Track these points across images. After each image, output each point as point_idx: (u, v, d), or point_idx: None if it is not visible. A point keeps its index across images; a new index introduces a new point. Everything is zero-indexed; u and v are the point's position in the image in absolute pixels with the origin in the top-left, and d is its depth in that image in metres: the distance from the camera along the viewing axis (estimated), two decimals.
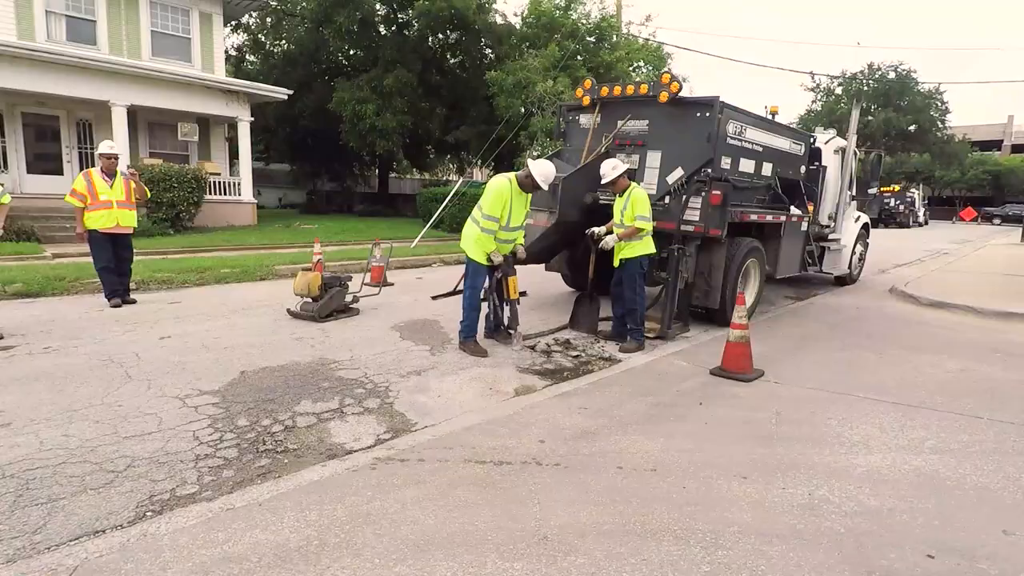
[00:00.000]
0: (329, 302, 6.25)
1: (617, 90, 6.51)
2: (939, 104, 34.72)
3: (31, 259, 9.04)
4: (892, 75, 34.09)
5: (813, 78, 36.93)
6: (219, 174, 14.76)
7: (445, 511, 2.61)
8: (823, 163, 8.35)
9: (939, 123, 35.11)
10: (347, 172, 25.53)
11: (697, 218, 5.75)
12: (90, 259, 7.02)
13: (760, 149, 6.75)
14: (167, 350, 4.91)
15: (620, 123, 6.50)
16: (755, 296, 6.95)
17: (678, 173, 5.99)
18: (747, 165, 6.57)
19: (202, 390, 4.02)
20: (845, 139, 8.92)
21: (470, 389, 4.33)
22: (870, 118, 32.87)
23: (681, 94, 6.06)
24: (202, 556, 2.23)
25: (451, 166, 30.01)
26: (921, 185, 38.53)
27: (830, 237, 8.93)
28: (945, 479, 3.08)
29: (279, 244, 12.21)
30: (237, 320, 6.10)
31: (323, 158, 23.24)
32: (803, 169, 7.85)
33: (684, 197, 5.79)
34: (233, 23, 19.93)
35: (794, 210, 7.32)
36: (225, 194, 14.61)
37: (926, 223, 33.64)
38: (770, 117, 7.24)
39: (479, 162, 21.50)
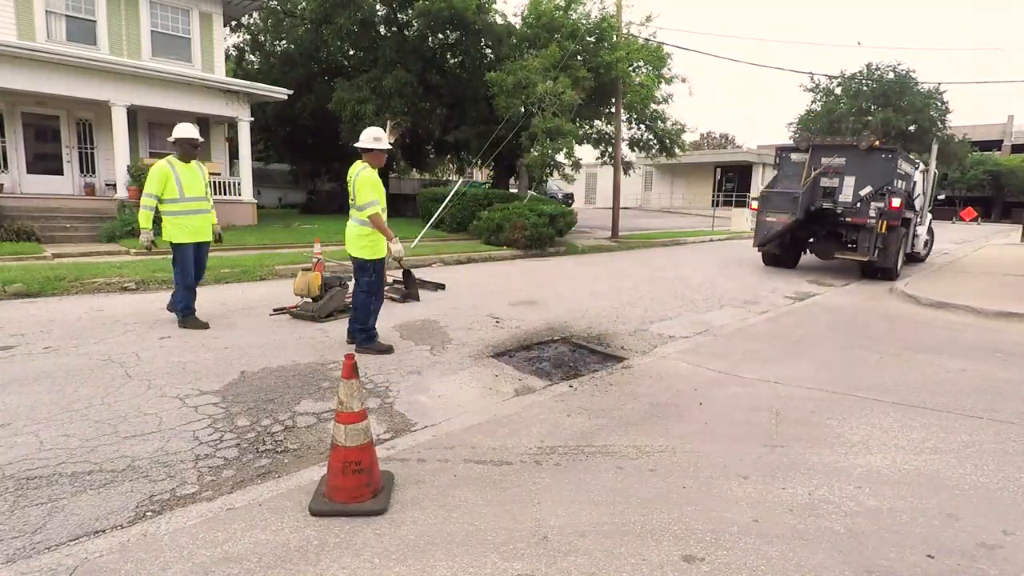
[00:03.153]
0: (329, 302, 6.25)
1: (828, 141, 11.40)
2: (939, 104, 34.69)
3: (31, 259, 9.04)
4: (891, 75, 34.07)
5: (812, 78, 36.96)
6: (219, 174, 14.75)
7: (445, 511, 2.61)
8: (914, 179, 11.95)
9: (939, 123, 35.07)
10: (347, 172, 25.53)
11: (875, 215, 10.05)
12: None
13: (903, 173, 10.81)
14: (167, 350, 4.91)
15: (827, 160, 10.63)
16: (901, 263, 11.30)
17: (867, 189, 10.13)
18: (900, 184, 10.58)
19: (202, 390, 4.03)
20: (927, 163, 13.67)
21: (470, 389, 4.33)
22: (869, 118, 32.86)
23: (873, 144, 10.36)
24: (202, 556, 2.23)
25: (451, 166, 30.00)
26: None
27: (916, 228, 12.66)
28: (945, 479, 3.08)
29: (279, 244, 12.21)
30: (237, 320, 6.10)
31: (323, 158, 23.24)
32: (913, 184, 11.64)
33: (871, 203, 10.06)
34: (233, 23, 19.92)
35: (916, 209, 11.99)
36: (225, 194, 14.61)
37: None
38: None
39: (479, 162, 21.50)
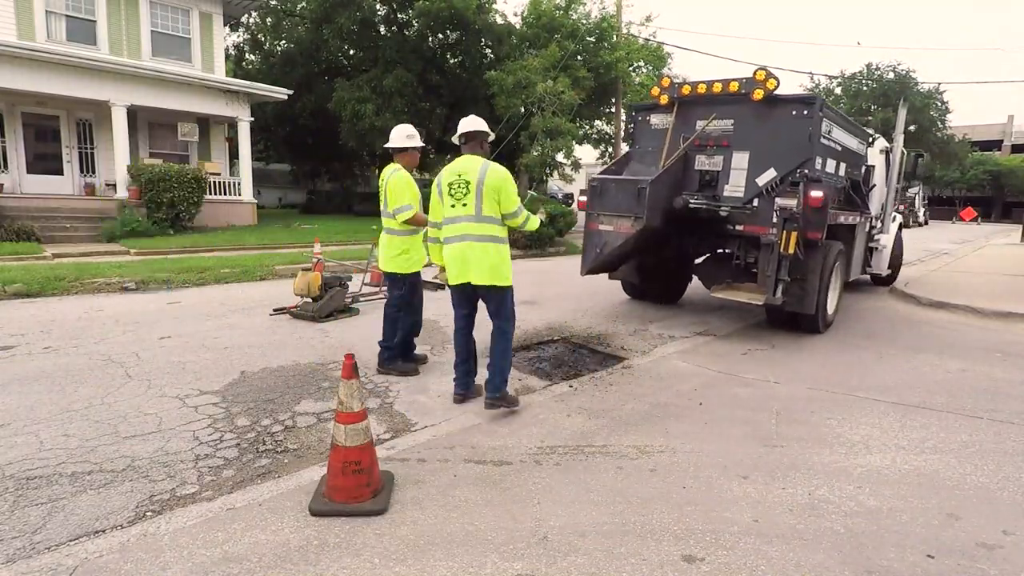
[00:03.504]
0: (329, 302, 6.25)
1: (702, 88, 6.06)
2: (939, 104, 34.72)
3: (31, 259, 9.04)
4: (891, 75, 34.10)
5: (812, 78, 36.98)
6: (219, 174, 14.77)
7: (445, 511, 2.61)
8: (870, 162, 8.17)
9: (939, 123, 35.09)
10: (347, 172, 25.53)
11: (779, 221, 5.45)
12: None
13: (840, 149, 6.52)
14: (167, 350, 4.91)
15: (703, 123, 6.06)
16: (837, 301, 6.70)
17: (771, 174, 5.70)
18: (831, 165, 6.29)
19: (202, 390, 4.03)
20: (891, 138, 9.08)
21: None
22: (869, 118, 32.87)
23: (778, 91, 5.70)
24: (202, 556, 2.23)
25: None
26: (921, 185, 38.49)
27: (875, 237, 8.83)
28: (945, 479, 3.08)
29: (279, 244, 12.22)
30: (237, 320, 6.10)
31: (323, 158, 23.25)
32: (863, 169, 7.73)
33: (776, 200, 5.52)
34: (233, 23, 19.92)
35: (869, 210, 7.40)
36: (225, 194, 14.62)
37: (926, 223, 33.63)
38: None
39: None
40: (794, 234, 5.33)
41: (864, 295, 9.16)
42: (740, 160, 5.95)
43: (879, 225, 8.91)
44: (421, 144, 4.58)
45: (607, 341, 5.77)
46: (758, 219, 5.74)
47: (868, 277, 9.51)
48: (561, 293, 8.34)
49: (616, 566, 2.26)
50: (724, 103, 6.00)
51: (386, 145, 4.58)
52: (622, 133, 18.86)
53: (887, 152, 8.83)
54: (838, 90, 36.28)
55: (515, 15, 19.89)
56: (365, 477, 2.59)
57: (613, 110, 18.25)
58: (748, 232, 5.87)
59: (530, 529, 2.49)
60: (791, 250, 5.35)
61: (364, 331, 5.78)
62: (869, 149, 8.06)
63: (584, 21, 17.83)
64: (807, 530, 2.55)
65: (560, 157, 16.84)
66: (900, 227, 10.13)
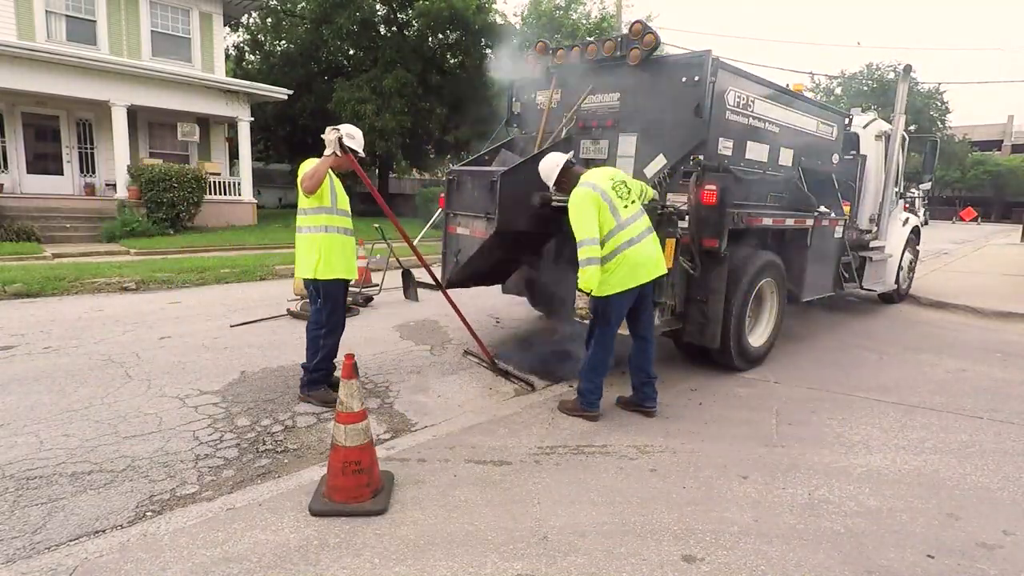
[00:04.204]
0: None
1: (576, 52, 4.91)
2: (939, 104, 34.76)
3: (31, 259, 9.04)
4: (891, 75, 34.12)
5: (813, 78, 37.00)
6: (219, 174, 14.76)
7: (445, 511, 2.61)
8: (862, 152, 6.79)
9: (939, 123, 35.13)
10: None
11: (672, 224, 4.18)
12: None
13: (776, 130, 5.10)
14: (167, 350, 4.91)
15: (580, 98, 4.89)
16: (773, 329, 5.21)
17: (660, 163, 4.46)
18: (758, 151, 4.95)
19: (202, 390, 4.02)
20: (890, 122, 7.34)
21: (470, 389, 4.33)
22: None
23: (660, 52, 4.52)
24: (202, 556, 2.23)
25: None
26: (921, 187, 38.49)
27: (872, 245, 7.24)
28: (945, 479, 3.08)
29: (279, 244, 12.21)
30: (237, 320, 6.09)
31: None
32: (836, 158, 6.20)
33: (665, 195, 4.42)
34: (233, 23, 19.92)
35: (823, 211, 5.67)
36: (225, 194, 14.61)
37: (926, 223, 33.61)
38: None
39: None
40: (670, 241, 4.15)
41: (864, 295, 9.15)
42: (627, 145, 4.73)
43: (875, 229, 7.24)
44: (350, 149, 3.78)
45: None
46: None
47: (864, 292, 7.53)
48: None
49: (616, 566, 2.26)
50: (606, 72, 4.80)
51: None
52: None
53: (886, 138, 7.14)
54: (838, 90, 36.32)
55: (515, 15, 19.89)
56: (365, 477, 2.59)
57: None
58: None
59: (530, 529, 2.49)
60: (669, 263, 4.08)
61: (364, 331, 5.78)
62: (861, 134, 6.87)
63: (584, 21, 17.84)
64: (807, 530, 2.55)
65: None
66: (916, 231, 8.44)
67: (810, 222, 5.53)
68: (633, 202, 3.66)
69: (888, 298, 8.21)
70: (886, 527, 2.60)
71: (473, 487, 2.82)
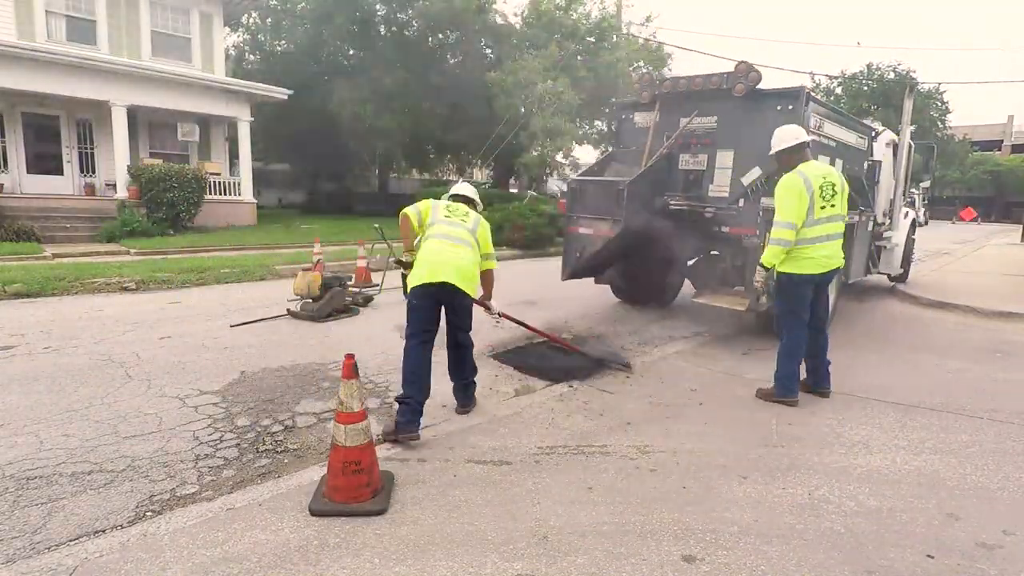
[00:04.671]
0: (329, 302, 6.25)
1: (683, 84, 5.96)
2: (939, 104, 34.74)
3: (31, 259, 9.04)
4: (892, 75, 34.12)
5: (813, 78, 36.98)
6: (219, 174, 14.76)
7: (445, 511, 2.61)
8: (876, 158, 7.75)
9: (939, 123, 35.11)
10: (347, 172, 25.50)
11: (763, 222, 5.07)
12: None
13: (834, 145, 6.19)
14: (167, 350, 4.91)
15: (685, 120, 5.82)
16: (834, 303, 6.03)
17: (755, 173, 5.44)
18: (823, 162, 5.53)
19: (202, 390, 4.03)
20: (897, 130, 8.64)
21: None
22: (869, 118, 32.92)
23: (760, 85, 5.45)
24: (202, 556, 2.23)
25: (451, 166, 29.99)
26: (921, 185, 38.48)
27: (884, 235, 8.43)
28: (945, 479, 3.08)
29: (279, 244, 12.21)
30: (237, 320, 6.09)
31: (323, 158, 23.22)
32: (865, 165, 7.32)
33: (762, 199, 5.28)
34: (233, 23, 19.92)
35: (864, 208, 6.85)
36: (225, 194, 14.61)
37: (926, 223, 33.58)
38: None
39: (479, 162, 21.50)
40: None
41: (864, 295, 9.16)
42: (724, 159, 5.77)
43: (887, 222, 8.47)
44: None
45: (608, 341, 5.77)
46: (744, 220, 5.55)
47: (871, 277, 8.92)
48: (561, 293, 8.34)
49: (616, 566, 2.26)
50: (707, 99, 5.80)
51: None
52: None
53: (894, 145, 8.37)
54: (838, 90, 36.29)
55: (515, 15, 19.86)
56: (365, 477, 2.59)
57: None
58: (733, 233, 5.65)
59: (530, 529, 2.49)
60: None
61: (364, 331, 5.79)
62: (874, 143, 7.79)
63: (584, 21, 17.83)
64: (807, 530, 2.55)
65: (559, 157, 16.85)
66: (914, 224, 9.88)
67: (856, 218, 6.56)
68: (833, 206, 3.97)
69: (897, 279, 9.48)
70: (886, 527, 2.59)
71: (473, 487, 2.82)
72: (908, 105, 8.81)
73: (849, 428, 3.73)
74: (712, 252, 6.52)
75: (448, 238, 3.46)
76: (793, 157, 4.03)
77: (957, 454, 3.39)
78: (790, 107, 5.35)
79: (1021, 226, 23.27)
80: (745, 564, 2.29)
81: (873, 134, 7.65)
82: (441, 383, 4.39)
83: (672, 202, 5.83)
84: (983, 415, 4.02)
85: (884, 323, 7.14)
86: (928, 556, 2.39)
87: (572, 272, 6.16)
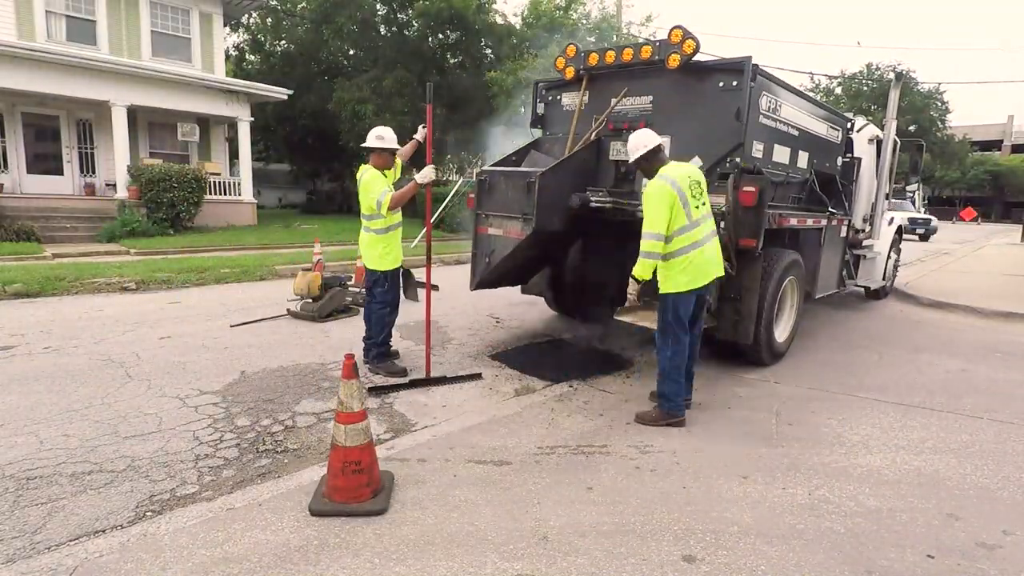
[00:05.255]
0: (329, 302, 6.25)
1: (610, 56, 4.97)
2: (939, 104, 34.75)
3: (31, 259, 9.04)
4: (892, 75, 34.11)
5: (812, 78, 37.00)
6: (219, 174, 14.76)
7: (445, 511, 2.61)
8: (856, 155, 6.82)
9: (939, 123, 35.12)
10: (347, 172, 25.50)
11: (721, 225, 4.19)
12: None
13: (796, 133, 5.24)
14: (167, 350, 4.91)
15: (614, 101, 4.98)
16: (793, 325, 5.43)
17: (695, 164, 4.45)
18: (781, 153, 5.05)
19: (202, 390, 4.03)
20: (879, 123, 7.62)
21: (470, 389, 4.33)
22: (869, 118, 32.91)
23: (699, 57, 4.53)
24: (202, 556, 2.23)
25: (451, 166, 30.01)
26: (921, 185, 38.51)
27: (864, 244, 7.51)
28: (945, 479, 3.08)
29: (279, 244, 12.21)
30: (237, 320, 6.09)
31: (323, 158, 23.23)
32: (839, 161, 6.40)
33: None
34: (233, 23, 19.92)
35: (834, 211, 6.02)
36: (225, 194, 14.60)
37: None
38: None
39: (479, 162, 21.48)
40: (728, 239, 4.27)
41: (863, 295, 9.15)
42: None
43: (867, 228, 7.46)
44: (394, 146, 4.49)
45: (607, 341, 5.77)
46: None
47: (853, 289, 8.06)
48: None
49: (616, 566, 2.26)
50: (640, 76, 4.91)
51: (362, 145, 4.62)
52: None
53: (877, 142, 7.37)
54: (838, 90, 36.30)
55: (515, 15, 19.87)
56: (365, 477, 2.59)
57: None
58: None
59: (530, 529, 2.49)
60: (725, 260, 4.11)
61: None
62: (855, 137, 6.86)
63: (584, 21, 17.82)
64: (807, 530, 2.55)
65: None
66: (900, 231, 8.85)
67: (824, 222, 5.79)
68: (704, 204, 3.71)
69: (875, 295, 8.51)
70: (886, 527, 2.59)
71: (473, 487, 2.82)
72: (894, 95, 7.60)
73: (849, 428, 3.73)
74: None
75: None
76: (652, 163, 3.68)
77: (957, 454, 3.39)
78: (734, 83, 4.42)
79: (1021, 226, 23.28)
80: (745, 564, 2.29)
81: (850, 126, 6.65)
82: (441, 385, 4.40)
83: (593, 198, 4.68)
84: (983, 415, 4.02)
85: (884, 323, 7.14)
86: (928, 556, 2.39)
87: (480, 281, 5.11)
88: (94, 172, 13.83)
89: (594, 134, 5.11)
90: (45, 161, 13.30)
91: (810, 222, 5.54)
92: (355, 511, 2.53)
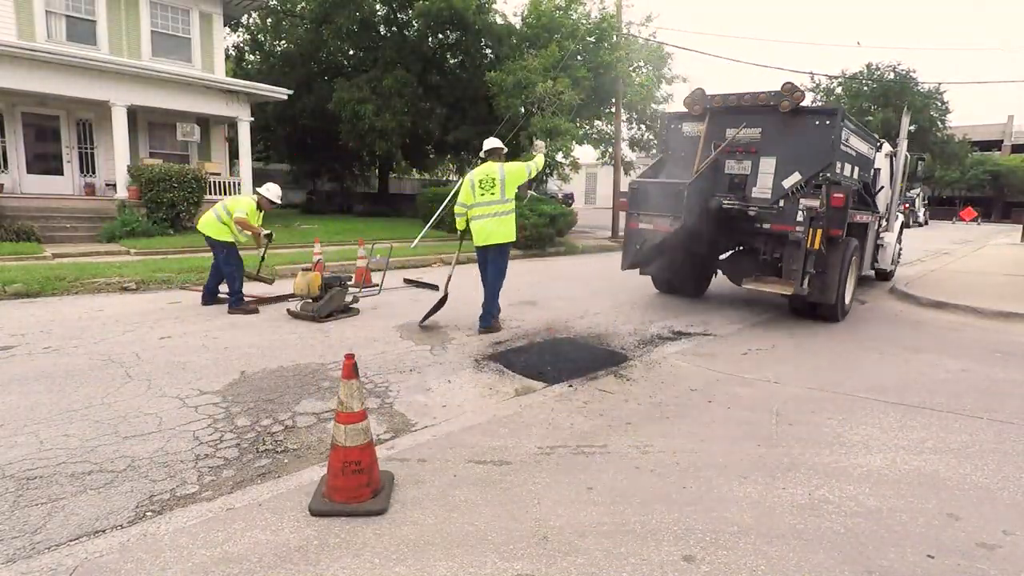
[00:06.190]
0: (329, 302, 6.25)
1: (732, 99, 6.74)
2: (939, 104, 34.71)
3: (31, 259, 9.03)
4: (891, 75, 34.10)
5: (813, 78, 36.97)
6: (219, 174, 14.75)
7: (445, 511, 2.61)
8: (876, 166, 8.73)
9: (939, 123, 35.09)
10: (347, 172, 25.53)
11: (804, 220, 6.07)
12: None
13: (855, 154, 7.14)
14: (167, 350, 4.91)
15: (733, 131, 6.69)
16: (851, 294, 7.41)
17: (795, 177, 6.37)
18: (847, 169, 6.92)
19: (202, 390, 4.02)
20: (895, 144, 9.99)
21: (470, 389, 4.33)
22: (869, 118, 32.86)
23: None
24: (202, 556, 2.23)
25: (451, 166, 30.01)
26: (922, 186, 38.50)
27: (881, 235, 9.50)
28: (945, 479, 3.08)
29: (279, 244, 12.19)
30: (237, 320, 6.10)
31: (323, 158, 23.26)
32: (871, 172, 8.40)
33: (800, 200, 6.20)
34: (233, 23, 19.92)
35: (878, 210, 8.39)
36: (225, 194, 14.58)
37: (926, 223, 33.62)
38: None
39: (479, 162, 21.47)
40: (819, 231, 6.03)
41: (864, 295, 9.16)
42: (767, 165, 6.62)
43: (883, 224, 9.47)
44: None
45: (607, 341, 5.77)
46: (784, 218, 6.35)
47: (867, 273, 9.65)
48: (561, 293, 8.34)
49: (616, 566, 2.26)
50: (752, 113, 6.63)
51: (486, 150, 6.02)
52: (624, 134, 18.85)
53: (891, 156, 9.53)
54: (839, 90, 36.27)
55: (515, 15, 19.85)
56: (365, 477, 2.59)
57: (613, 110, 18.24)
58: (775, 230, 6.47)
59: (530, 529, 2.49)
60: (816, 245, 6.06)
61: (364, 331, 5.79)
62: (876, 153, 8.56)
63: (584, 21, 17.81)
64: (807, 530, 2.55)
65: (559, 157, 16.83)
66: (902, 226, 11.07)
67: (869, 218, 7.91)
68: (493, 193, 5.79)
69: (885, 276, 10.42)
70: (886, 527, 2.60)
71: (473, 487, 2.82)
72: (905, 120, 10.11)
73: (849, 428, 3.73)
74: (741, 247, 7.54)
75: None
76: (491, 158, 5.90)
77: (957, 454, 3.39)
78: (827, 122, 6.26)
79: (1021, 226, 23.27)
80: (745, 564, 2.29)
81: (879, 145, 8.56)
82: (443, 383, 4.40)
83: (725, 202, 6.59)
84: (983, 415, 4.02)
85: (884, 323, 7.14)
86: (928, 556, 2.39)
87: (631, 263, 7.09)
88: (94, 172, 13.83)
89: (715, 155, 6.72)
90: (45, 161, 13.30)
91: (865, 218, 7.61)
92: (355, 511, 2.53)
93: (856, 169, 7.24)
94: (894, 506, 2.78)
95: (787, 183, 6.43)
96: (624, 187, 7.10)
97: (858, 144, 7.24)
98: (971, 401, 4.30)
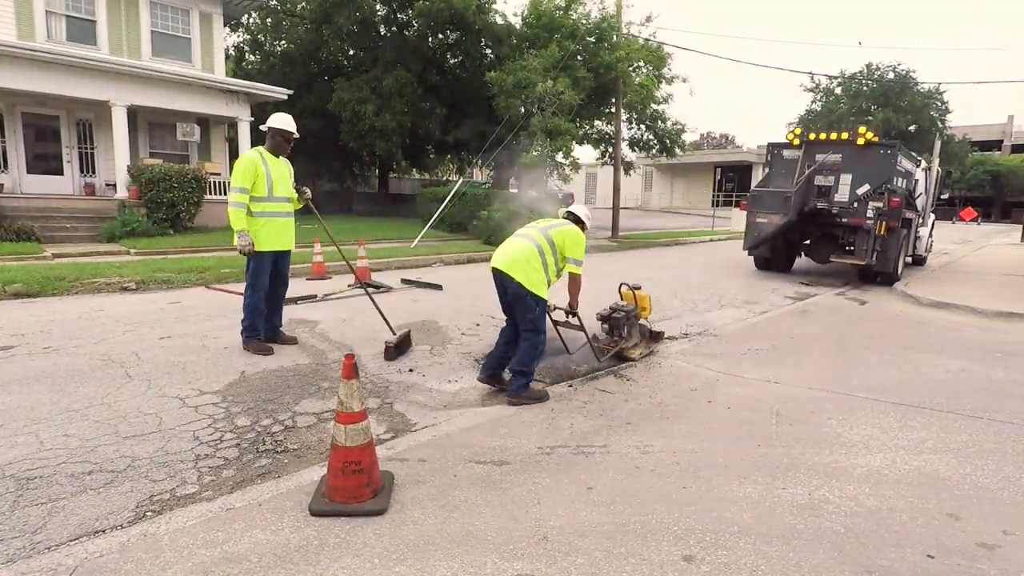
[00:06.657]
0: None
1: (823, 136, 10.16)
2: (939, 104, 34.69)
3: (31, 259, 9.04)
4: (892, 75, 34.08)
5: (812, 78, 36.98)
6: (219, 174, 14.74)
7: (445, 511, 2.61)
8: (915, 177, 11.41)
9: (939, 123, 35.07)
10: (347, 172, 25.53)
11: (873, 216, 9.39)
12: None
13: (903, 171, 10.26)
14: (167, 350, 4.91)
15: (822, 157, 9.95)
16: (902, 267, 10.84)
17: (865, 187, 9.52)
18: (899, 182, 10.00)
19: (202, 390, 4.02)
20: (929, 161, 13.55)
21: (470, 389, 4.33)
22: (869, 118, 32.86)
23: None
24: (202, 556, 2.23)
25: (451, 166, 30.01)
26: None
27: (918, 229, 12.28)
28: (945, 479, 3.08)
29: None
30: (237, 320, 6.09)
31: (323, 158, 23.26)
32: (913, 182, 11.13)
33: (869, 203, 9.46)
34: (233, 23, 19.92)
35: (920, 209, 11.76)
36: (225, 194, 14.57)
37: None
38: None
39: (479, 162, 21.50)
40: (883, 223, 9.40)
41: (865, 295, 9.17)
42: (846, 179, 9.79)
43: (920, 220, 12.30)
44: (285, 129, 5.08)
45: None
46: (859, 214, 9.57)
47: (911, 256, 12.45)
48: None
49: (616, 566, 2.26)
50: (836, 145, 9.93)
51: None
52: (623, 134, 18.83)
53: (927, 170, 12.61)
54: (838, 90, 36.25)
55: (515, 15, 19.86)
56: (365, 477, 2.59)
57: (613, 110, 18.23)
58: (852, 223, 9.69)
59: (530, 529, 2.48)
60: (882, 232, 9.45)
61: (364, 331, 5.79)
62: (916, 168, 11.45)
63: (584, 21, 17.80)
64: (807, 530, 2.55)
65: (559, 157, 16.82)
66: (933, 221, 14.23)
67: (912, 215, 11.04)
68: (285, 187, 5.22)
69: (919, 261, 13.03)
70: (886, 527, 2.59)
71: (473, 487, 2.82)
72: (937, 146, 15.06)
73: (849, 428, 3.73)
74: (819, 236, 10.65)
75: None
76: (274, 142, 5.08)
77: (957, 454, 3.39)
78: (888, 152, 9.60)
79: (1021, 226, 23.26)
80: (745, 564, 2.29)
81: (918, 162, 11.55)
82: (443, 383, 4.40)
83: (818, 204, 9.95)
84: (983, 415, 4.02)
85: (884, 323, 7.14)
86: (928, 556, 2.39)
87: (751, 246, 10.48)
88: (94, 172, 13.82)
89: (809, 172, 9.96)
90: (45, 161, 13.30)
91: (910, 215, 10.62)
92: (355, 511, 2.53)
93: (904, 181, 10.29)
94: (894, 506, 2.78)
95: (860, 191, 9.56)
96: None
97: (906, 164, 10.42)
98: (971, 401, 4.30)
